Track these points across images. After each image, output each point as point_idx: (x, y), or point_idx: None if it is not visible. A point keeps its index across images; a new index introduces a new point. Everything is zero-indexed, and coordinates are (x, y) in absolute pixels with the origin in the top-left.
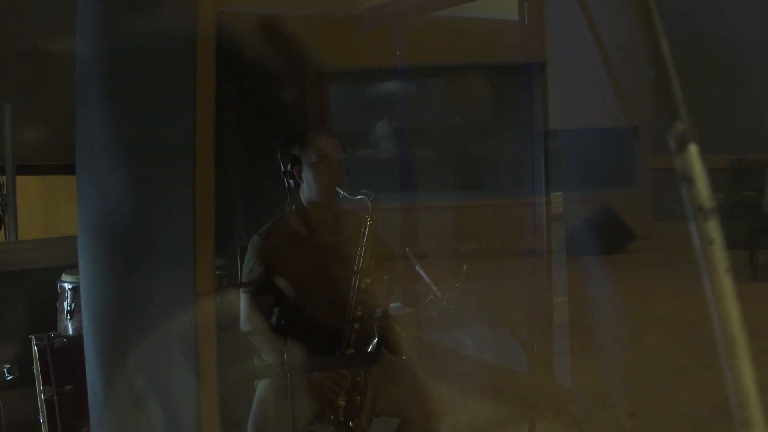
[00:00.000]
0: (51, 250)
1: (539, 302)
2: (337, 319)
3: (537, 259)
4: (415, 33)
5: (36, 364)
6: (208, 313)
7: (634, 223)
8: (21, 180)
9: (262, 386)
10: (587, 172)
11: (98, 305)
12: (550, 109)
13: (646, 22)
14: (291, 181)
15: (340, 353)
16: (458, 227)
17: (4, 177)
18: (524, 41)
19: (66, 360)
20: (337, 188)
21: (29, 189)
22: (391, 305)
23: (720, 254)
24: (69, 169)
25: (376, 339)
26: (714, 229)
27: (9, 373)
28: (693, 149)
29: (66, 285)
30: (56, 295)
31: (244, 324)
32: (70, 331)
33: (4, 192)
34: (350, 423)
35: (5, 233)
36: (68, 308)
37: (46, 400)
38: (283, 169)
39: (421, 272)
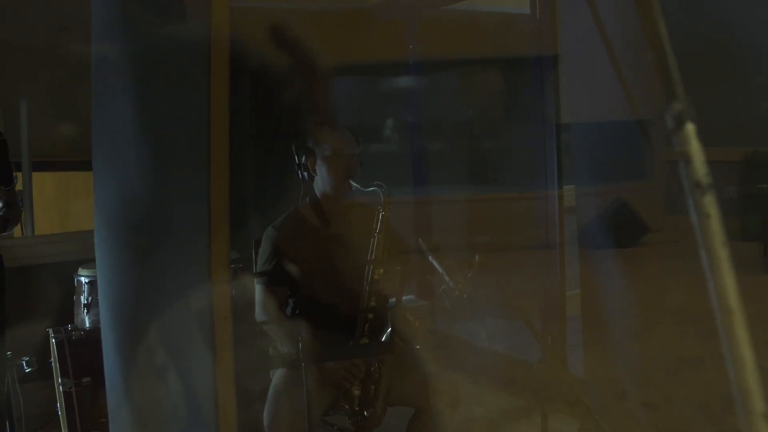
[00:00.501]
0: (67, 245)
1: (552, 295)
2: (351, 310)
3: (549, 252)
4: (426, 27)
5: (54, 357)
6: (224, 300)
7: (648, 215)
8: (36, 176)
9: (277, 376)
10: (600, 165)
11: (115, 296)
12: (562, 103)
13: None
14: (305, 174)
15: (354, 343)
16: (471, 221)
17: (20, 173)
18: (536, 35)
19: (84, 352)
20: (351, 181)
21: (44, 185)
22: (406, 298)
23: (716, 228)
24: (83, 166)
25: (390, 328)
26: (710, 204)
27: (27, 365)
28: (690, 128)
29: (83, 279)
30: (73, 289)
31: (259, 314)
32: (87, 325)
33: (20, 188)
34: (365, 412)
35: (22, 228)
36: (85, 302)
37: (64, 392)
38: (297, 162)
39: (434, 263)
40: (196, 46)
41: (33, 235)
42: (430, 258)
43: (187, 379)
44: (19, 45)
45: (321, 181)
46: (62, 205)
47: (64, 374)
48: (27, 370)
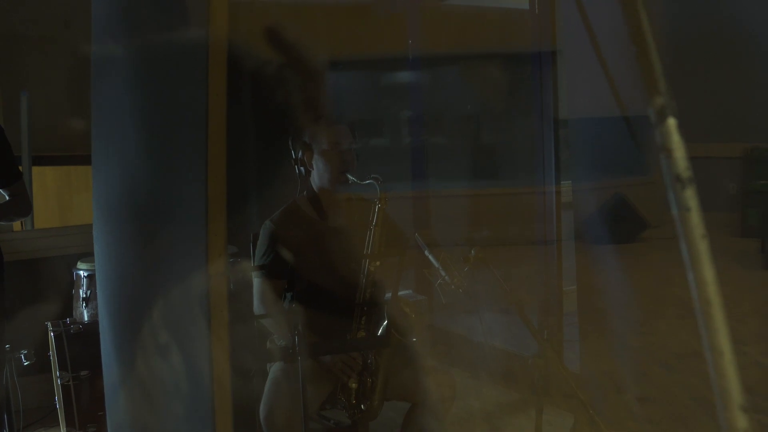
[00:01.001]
0: (66, 239)
1: (550, 290)
2: (348, 303)
3: (547, 247)
4: (427, 22)
5: (52, 350)
6: (221, 292)
7: (646, 211)
8: (36, 170)
9: (274, 369)
10: (599, 160)
11: (113, 287)
12: (560, 98)
13: None
14: (302, 168)
15: (351, 336)
16: (469, 215)
17: (20, 167)
18: (535, 30)
19: (82, 346)
20: (347, 174)
21: (44, 179)
22: (404, 292)
23: (696, 221)
24: (83, 160)
25: (386, 321)
26: (691, 197)
27: (26, 358)
28: (671, 122)
29: (81, 273)
30: (72, 283)
31: (257, 308)
32: (86, 318)
33: None
34: (362, 405)
35: (22, 222)
36: (84, 295)
37: (62, 385)
38: (294, 156)
39: (430, 257)
40: (194, 41)
41: (33, 228)
42: (427, 252)
43: (184, 371)
44: (20, 38)
45: (318, 175)
46: (62, 199)
47: (62, 367)
48: (25, 363)
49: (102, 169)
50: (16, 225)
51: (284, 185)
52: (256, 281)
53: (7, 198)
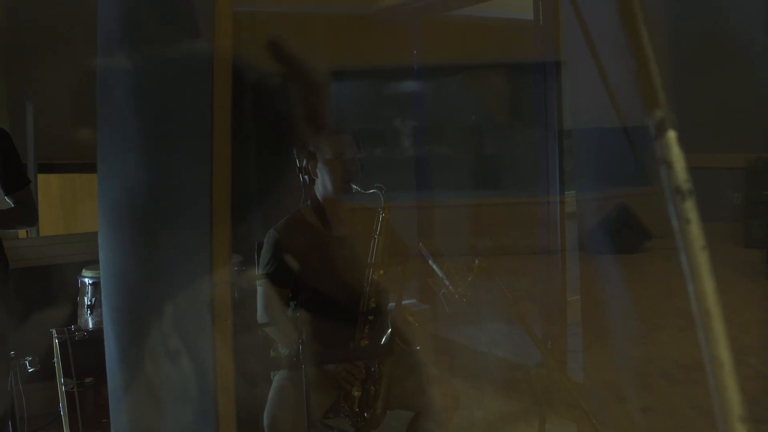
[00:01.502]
0: (71, 246)
1: (553, 300)
2: (352, 311)
3: (551, 257)
4: (430, 32)
5: (57, 357)
6: (225, 299)
7: (650, 222)
8: (41, 178)
9: (277, 378)
10: (603, 170)
11: (118, 294)
12: (564, 108)
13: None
14: (306, 177)
15: (355, 344)
16: (473, 225)
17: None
18: (539, 40)
19: (86, 353)
20: (351, 184)
21: (49, 187)
22: (408, 301)
23: (696, 233)
24: (88, 168)
25: (389, 330)
26: (690, 209)
27: (30, 365)
28: (671, 135)
29: (86, 280)
30: (77, 291)
31: (261, 316)
32: (91, 326)
33: None
34: (365, 414)
35: (27, 229)
36: (89, 303)
37: (66, 392)
38: (298, 165)
39: (434, 266)
40: (199, 53)
41: (38, 236)
42: (431, 262)
43: (188, 379)
44: (25, 47)
45: (322, 184)
46: (67, 206)
47: (66, 374)
48: (30, 370)
49: (107, 177)
50: (22, 232)
51: (288, 194)
52: (260, 290)
53: (12, 205)
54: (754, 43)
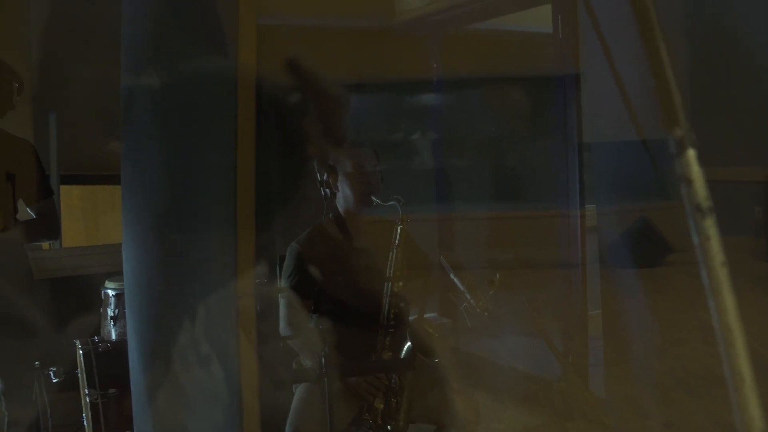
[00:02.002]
0: (94, 258)
1: (574, 314)
2: (374, 324)
3: (572, 271)
4: (450, 45)
5: (80, 368)
6: (249, 311)
7: (672, 235)
8: (64, 189)
9: (300, 390)
10: (623, 184)
11: (142, 308)
12: (584, 121)
13: (645, 28)
14: (327, 191)
15: (377, 356)
16: (493, 238)
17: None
18: (558, 54)
19: (110, 364)
20: (372, 196)
21: (71, 198)
22: (428, 315)
23: (716, 249)
24: (111, 179)
25: (409, 343)
26: (711, 226)
27: (55, 375)
28: (691, 153)
29: (109, 292)
30: (100, 302)
31: (284, 329)
32: (114, 337)
33: None
34: (388, 426)
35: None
36: (112, 314)
37: (90, 402)
38: (319, 179)
39: (455, 280)
40: (223, 65)
41: (61, 247)
42: (452, 275)
43: (212, 391)
44: (50, 58)
45: (343, 198)
46: (89, 218)
47: (90, 385)
48: (54, 380)
49: (131, 189)
50: (45, 244)
51: (307, 208)
52: (282, 302)
53: (34, 217)
54: None
